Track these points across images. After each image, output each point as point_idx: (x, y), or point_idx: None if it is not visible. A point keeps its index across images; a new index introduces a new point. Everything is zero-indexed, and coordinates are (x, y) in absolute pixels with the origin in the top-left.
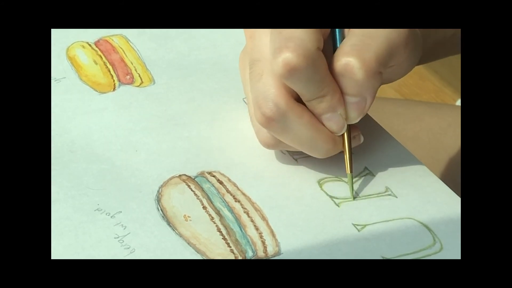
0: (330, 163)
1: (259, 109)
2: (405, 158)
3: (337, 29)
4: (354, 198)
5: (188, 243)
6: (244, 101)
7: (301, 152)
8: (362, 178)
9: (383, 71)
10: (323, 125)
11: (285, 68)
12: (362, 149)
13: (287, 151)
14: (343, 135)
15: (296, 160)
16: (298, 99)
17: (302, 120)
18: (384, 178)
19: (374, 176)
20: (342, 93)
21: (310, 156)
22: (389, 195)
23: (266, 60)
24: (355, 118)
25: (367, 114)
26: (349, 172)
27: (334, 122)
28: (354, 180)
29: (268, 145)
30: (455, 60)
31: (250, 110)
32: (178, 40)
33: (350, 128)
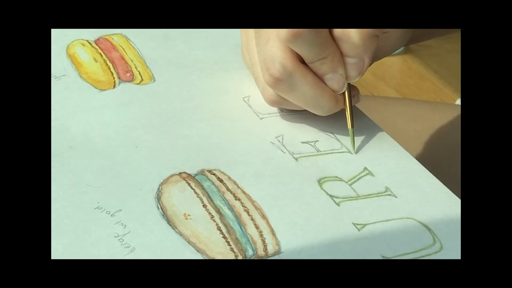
0: (330, 162)
1: (267, 71)
2: (404, 158)
3: None
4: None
5: (188, 242)
6: (244, 100)
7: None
8: (362, 178)
9: (379, 34)
10: (326, 84)
11: (289, 33)
12: (362, 149)
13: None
14: (344, 93)
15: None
16: (302, 62)
17: (306, 80)
18: (383, 178)
19: (374, 176)
20: (342, 54)
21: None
22: (389, 195)
23: None
24: (354, 77)
25: (366, 115)
26: (350, 128)
27: (336, 81)
28: (353, 180)
29: (273, 103)
30: (455, 60)
31: (255, 72)
32: (178, 40)
33: (350, 87)
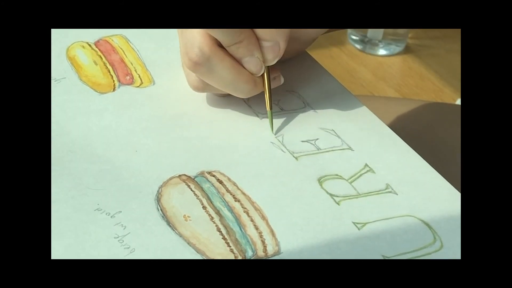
0: (330, 160)
1: (187, 55)
2: (406, 154)
3: None
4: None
5: (188, 243)
6: (244, 100)
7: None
8: (363, 175)
9: None
10: (244, 68)
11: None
12: (363, 145)
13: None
14: (262, 76)
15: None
16: (221, 46)
17: (224, 63)
18: (384, 175)
19: (375, 173)
20: (257, 39)
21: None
22: (390, 192)
23: None
24: (271, 60)
25: (367, 109)
26: (269, 109)
27: (253, 64)
28: (353, 177)
29: (197, 88)
30: (455, 60)
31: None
32: (178, 40)
33: (270, 70)
